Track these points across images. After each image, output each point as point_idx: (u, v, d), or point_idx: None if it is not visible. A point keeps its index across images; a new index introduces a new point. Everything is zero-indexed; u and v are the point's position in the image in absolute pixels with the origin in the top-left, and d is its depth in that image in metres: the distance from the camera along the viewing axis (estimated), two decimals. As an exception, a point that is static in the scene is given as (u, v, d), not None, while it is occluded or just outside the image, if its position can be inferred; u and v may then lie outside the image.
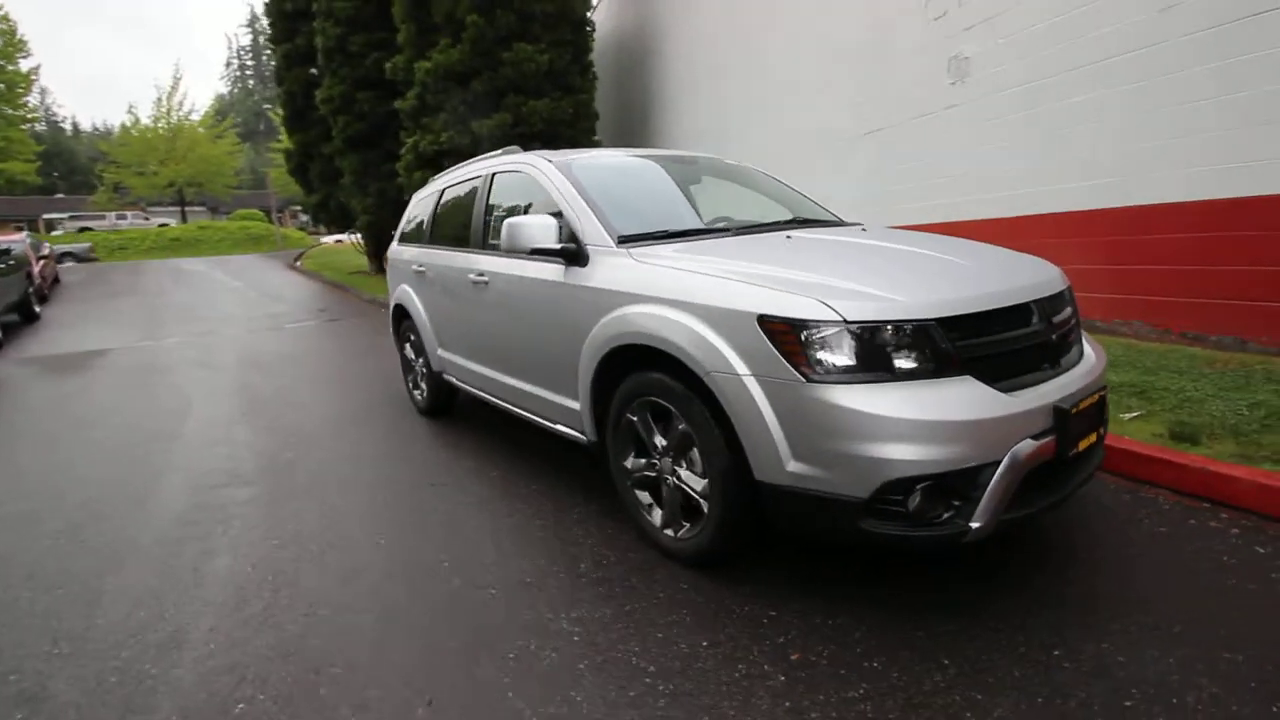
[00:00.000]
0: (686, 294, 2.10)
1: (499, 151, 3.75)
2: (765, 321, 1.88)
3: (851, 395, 1.78)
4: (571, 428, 2.81)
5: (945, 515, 1.78)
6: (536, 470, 3.36)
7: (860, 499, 1.78)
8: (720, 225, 2.84)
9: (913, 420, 1.75)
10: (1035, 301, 2.03)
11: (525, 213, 3.14)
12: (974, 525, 1.78)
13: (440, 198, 4.21)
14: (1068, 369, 2.08)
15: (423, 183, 12.30)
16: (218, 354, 7.37)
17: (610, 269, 2.47)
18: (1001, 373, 1.89)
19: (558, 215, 2.75)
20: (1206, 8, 3.90)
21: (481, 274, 3.32)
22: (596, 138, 13.24)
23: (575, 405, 2.73)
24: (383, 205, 15.45)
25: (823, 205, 3.48)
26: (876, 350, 1.80)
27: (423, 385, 4.52)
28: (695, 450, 2.18)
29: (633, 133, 13.52)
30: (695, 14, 10.52)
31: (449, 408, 4.51)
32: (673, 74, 11.74)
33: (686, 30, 10.93)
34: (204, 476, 3.63)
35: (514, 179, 3.35)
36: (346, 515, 2.98)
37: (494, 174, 3.49)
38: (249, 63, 68.22)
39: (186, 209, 37.36)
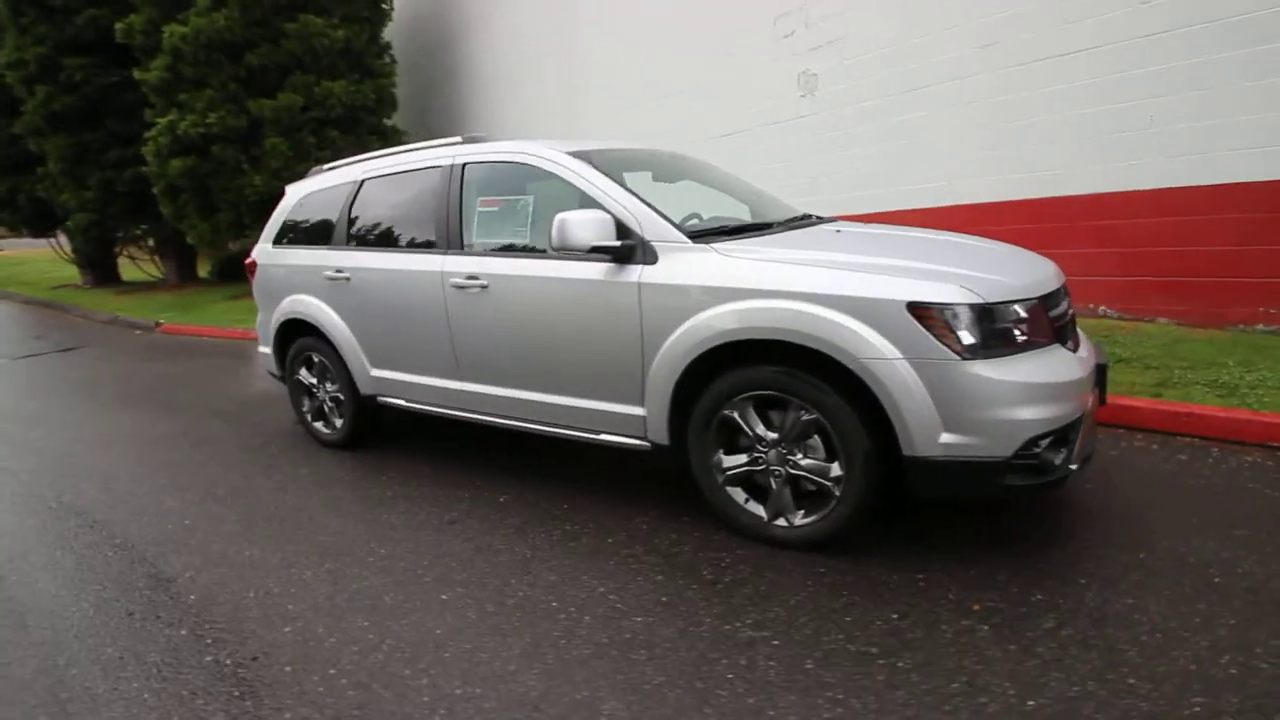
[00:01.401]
0: (817, 286, 2.14)
1: (449, 141, 3.31)
2: (915, 307, 2.03)
3: (996, 368, 2.02)
4: (627, 435, 2.66)
5: (1059, 461, 2.12)
6: (544, 483, 3.11)
7: (1004, 458, 2.03)
8: (758, 222, 2.89)
9: (1043, 384, 2.05)
10: (1064, 284, 2.49)
11: (531, 209, 2.87)
12: (1072, 467, 2.15)
13: (358, 192, 3.58)
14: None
15: (189, 172, 10.10)
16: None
17: (692, 265, 2.39)
18: (1063, 342, 2.29)
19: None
20: (1017, 48, 5.00)
21: (473, 277, 2.92)
22: (390, 122, 12.17)
23: (636, 411, 2.60)
24: (109, 201, 12.35)
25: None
26: (1007, 326, 2.07)
27: (335, 414, 3.82)
28: (815, 437, 2.25)
29: (437, 124, 12.67)
30: (514, 5, 10.17)
31: (368, 435, 3.88)
32: (487, 65, 11.23)
33: (502, 20, 10.53)
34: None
35: (502, 171, 3.01)
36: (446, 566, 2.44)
37: (464, 164, 3.09)
38: None
39: None
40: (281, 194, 4.18)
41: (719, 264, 2.36)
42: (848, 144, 6.16)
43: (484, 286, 2.90)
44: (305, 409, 4.05)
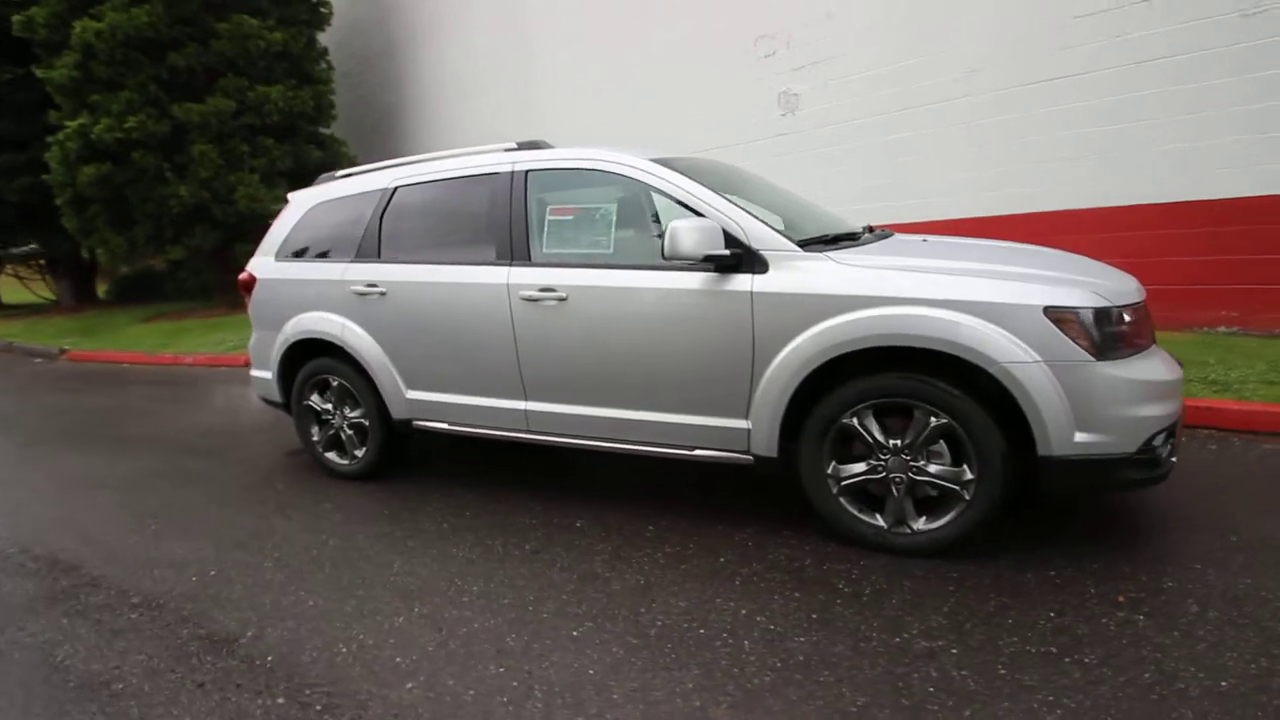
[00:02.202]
0: (954, 293, 2.17)
1: (497, 146, 3.14)
2: (1051, 311, 2.09)
3: (1123, 368, 2.11)
4: (727, 450, 2.59)
5: (1165, 455, 2.24)
6: (615, 504, 2.98)
7: (1129, 454, 2.12)
8: (849, 232, 2.88)
9: (1160, 382, 2.17)
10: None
11: (615, 218, 2.77)
12: (1173, 460, 2.28)
13: (389, 200, 3.32)
14: None
15: (103, 181, 9.02)
16: None
17: (810, 274, 2.36)
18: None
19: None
20: (995, 79, 5.37)
21: (548, 289, 2.77)
22: (328, 131, 11.55)
23: (739, 424, 2.53)
24: (-4, 211, 10.89)
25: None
26: (1125, 328, 2.17)
27: (355, 443, 3.52)
28: (940, 442, 2.27)
29: (374, 135, 12.12)
30: (469, 10, 9.90)
31: (393, 464, 3.59)
32: (432, 75, 10.84)
33: (454, 29, 10.23)
34: None
35: (575, 179, 2.89)
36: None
37: (527, 171, 2.93)
38: None
39: None
40: (283, 203, 3.82)
41: (839, 272, 2.34)
42: (827, 162, 6.39)
43: (562, 299, 2.75)
44: (315, 438, 3.68)
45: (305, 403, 3.65)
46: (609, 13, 7.93)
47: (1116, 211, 4.98)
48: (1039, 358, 2.09)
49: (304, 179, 11.72)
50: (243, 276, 3.83)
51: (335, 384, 3.52)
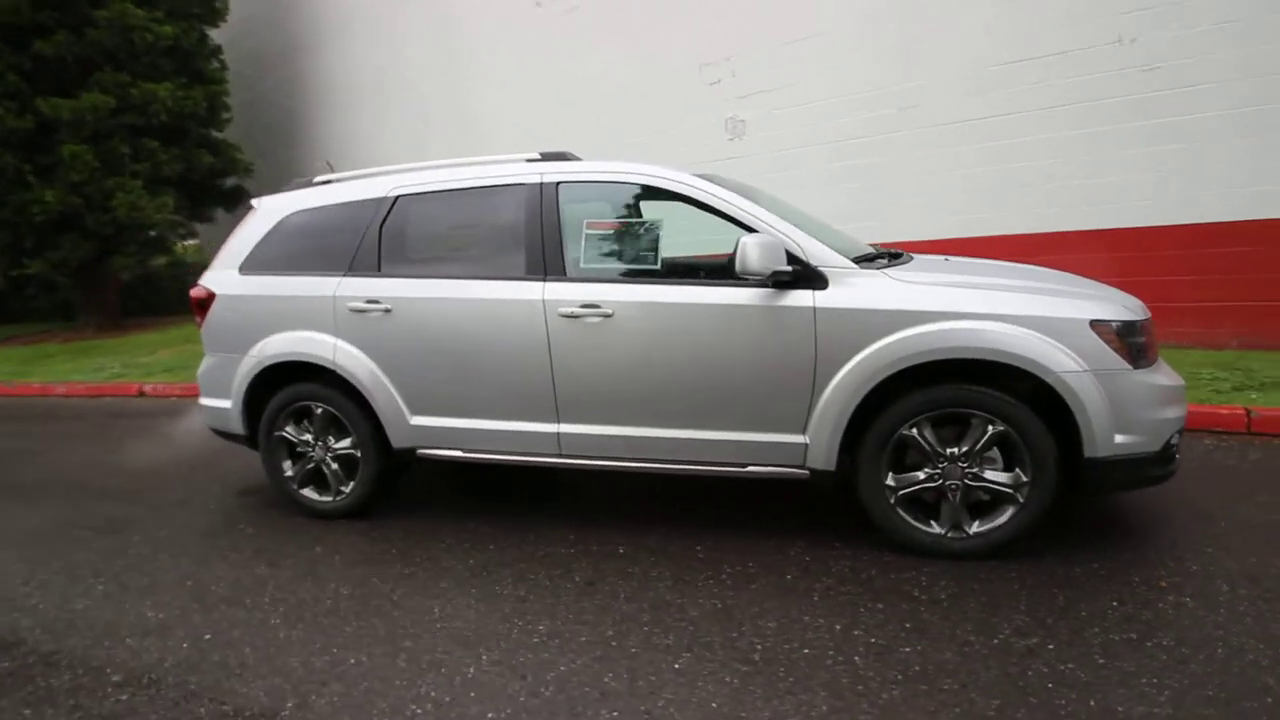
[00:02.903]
0: (1010, 308, 2.32)
1: (517, 156, 2.99)
2: (1096, 324, 2.29)
3: (1150, 375, 2.35)
4: (782, 465, 2.59)
5: (1176, 454, 2.50)
6: (653, 528, 2.88)
7: (1155, 452, 2.36)
8: (891, 251, 2.98)
9: (1176, 387, 2.43)
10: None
11: (652, 233, 2.72)
12: (1179, 458, 2.56)
13: (389, 210, 3.05)
14: None
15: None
16: None
17: (870, 290, 2.43)
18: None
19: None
20: (929, 115, 5.86)
21: (591, 306, 2.65)
22: (220, 135, 10.56)
23: (796, 439, 2.55)
24: None
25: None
26: (1146, 339, 2.41)
27: (341, 477, 3.19)
28: (995, 449, 2.40)
29: (280, 141, 11.23)
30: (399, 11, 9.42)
31: (383, 499, 3.28)
32: (340, 80, 10.20)
33: (369, 33, 9.69)
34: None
35: (611, 192, 2.81)
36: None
37: (558, 183, 2.81)
38: None
39: None
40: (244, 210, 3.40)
41: (897, 289, 2.43)
42: (774, 187, 6.66)
43: (607, 315, 2.64)
44: (289, 474, 3.27)
45: (278, 434, 3.24)
46: (545, 27, 7.87)
47: (1021, 238, 5.57)
48: (1087, 366, 2.28)
49: (194, 186, 10.62)
50: (196, 292, 3.36)
51: (319, 412, 3.15)
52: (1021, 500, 2.39)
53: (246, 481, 3.86)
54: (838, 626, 2.13)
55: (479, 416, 2.93)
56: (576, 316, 2.68)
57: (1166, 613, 2.11)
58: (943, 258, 3.16)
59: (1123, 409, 2.29)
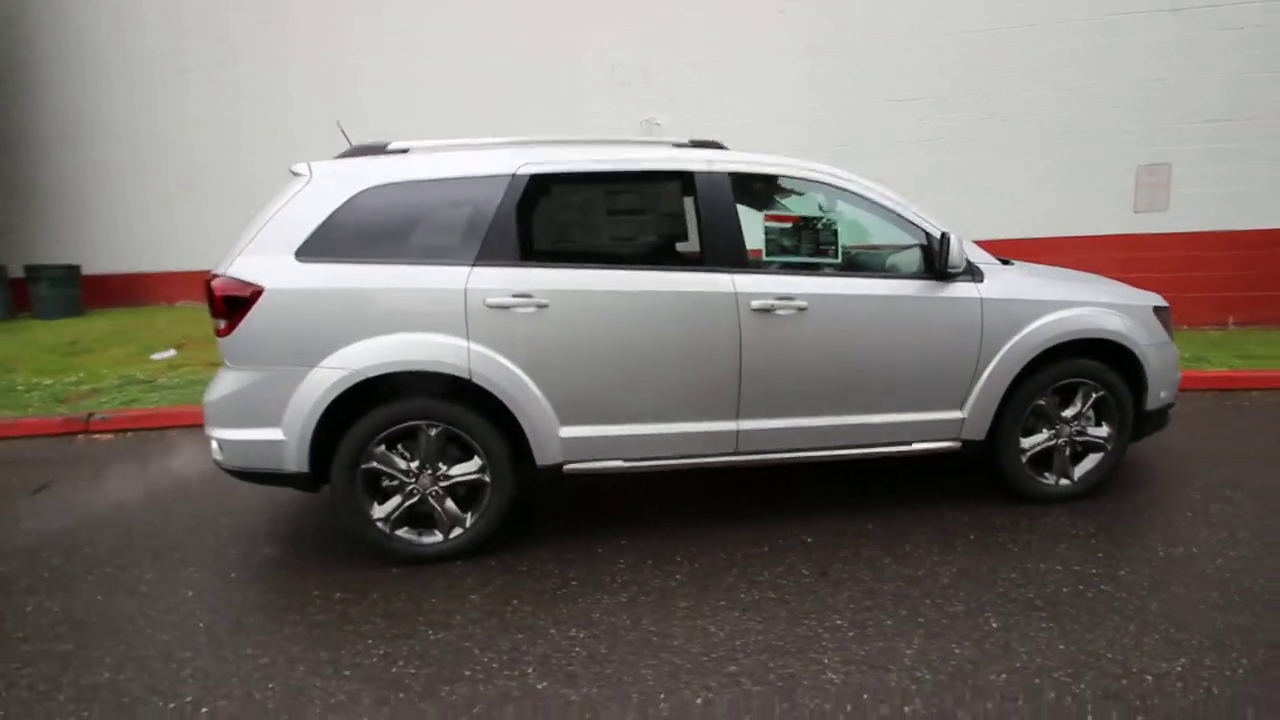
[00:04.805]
0: (1105, 297, 2.96)
1: (665, 141, 2.81)
2: (1156, 309, 3.04)
3: (1176, 347, 3.20)
4: (941, 440, 2.90)
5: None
6: (813, 515, 2.99)
7: (1171, 403, 3.21)
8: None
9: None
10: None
11: (831, 227, 2.83)
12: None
13: (523, 191, 2.62)
14: None
15: None
16: None
17: (1011, 282, 2.87)
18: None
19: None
20: (848, 136, 6.70)
21: (786, 298, 2.64)
22: None
23: (954, 415, 2.88)
24: None
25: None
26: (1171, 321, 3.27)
27: (466, 507, 2.69)
28: (1092, 409, 3.03)
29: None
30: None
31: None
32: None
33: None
34: None
35: (778, 185, 2.82)
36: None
37: (730, 173, 2.72)
38: None
39: None
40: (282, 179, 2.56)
41: (1028, 281, 2.92)
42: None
43: (802, 308, 2.66)
44: (377, 516, 2.59)
45: (366, 466, 2.54)
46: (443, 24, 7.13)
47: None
48: (1153, 340, 3.02)
49: None
50: (228, 286, 2.44)
51: (433, 433, 2.56)
52: (1109, 449, 3.05)
53: (248, 535, 2.89)
54: (1075, 568, 2.49)
55: (644, 421, 2.69)
56: (771, 310, 2.65)
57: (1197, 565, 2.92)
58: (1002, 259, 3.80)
59: (1165, 372, 3.08)
